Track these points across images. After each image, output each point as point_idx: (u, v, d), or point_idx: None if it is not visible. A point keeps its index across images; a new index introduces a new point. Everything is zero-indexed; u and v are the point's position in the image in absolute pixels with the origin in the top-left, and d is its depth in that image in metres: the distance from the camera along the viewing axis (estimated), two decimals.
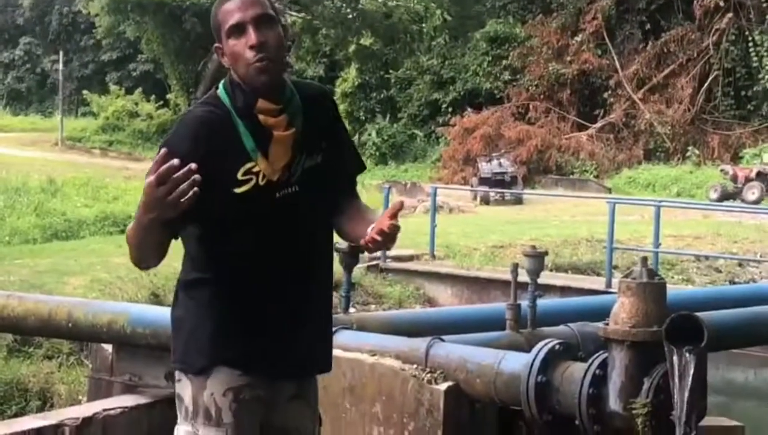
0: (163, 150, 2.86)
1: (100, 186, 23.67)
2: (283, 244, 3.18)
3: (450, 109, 38.50)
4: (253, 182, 3.15)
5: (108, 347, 6.85)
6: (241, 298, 3.21)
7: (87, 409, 6.19)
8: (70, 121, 43.24)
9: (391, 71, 41.72)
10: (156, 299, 10.77)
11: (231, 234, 3.18)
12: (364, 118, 41.82)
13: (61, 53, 45.72)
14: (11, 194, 21.56)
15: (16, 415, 7.72)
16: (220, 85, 3.25)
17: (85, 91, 45.99)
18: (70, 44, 54.73)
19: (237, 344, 3.23)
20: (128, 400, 6.30)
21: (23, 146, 35.76)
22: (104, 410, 6.06)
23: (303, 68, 43.70)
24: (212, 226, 3.17)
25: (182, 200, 2.81)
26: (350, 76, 42.67)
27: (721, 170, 29.02)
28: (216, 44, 3.24)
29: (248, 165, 3.15)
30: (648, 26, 36.80)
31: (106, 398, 6.53)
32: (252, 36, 3.12)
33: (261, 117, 3.18)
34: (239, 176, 3.14)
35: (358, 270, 13.04)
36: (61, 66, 44.31)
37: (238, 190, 3.14)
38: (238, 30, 3.14)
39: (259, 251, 3.17)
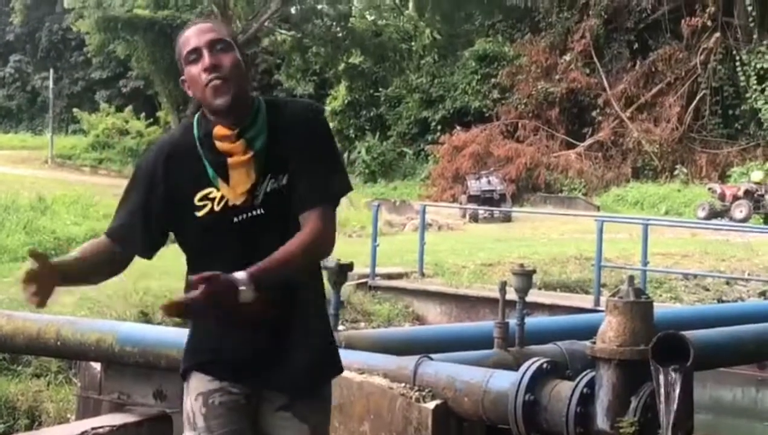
0: None
1: (89, 204, 23.64)
2: (243, 266, 3.11)
3: (439, 127, 38.53)
4: (208, 207, 3.24)
5: (96, 366, 6.86)
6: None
7: (75, 427, 6.20)
8: (60, 138, 43.13)
9: (380, 89, 41.79)
10: (145, 318, 10.74)
11: (197, 255, 3.30)
12: (353, 135, 41.86)
13: (51, 71, 45.68)
14: (0, 212, 21.51)
15: (3, 434, 7.69)
16: (198, 114, 3.35)
17: (75, 109, 45.92)
18: (60, 62, 54.70)
19: (206, 352, 3.33)
20: (117, 419, 6.31)
21: (13, 164, 35.67)
22: (93, 429, 6.06)
23: (293, 86, 43.77)
24: (184, 246, 3.35)
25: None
26: (340, 94, 42.74)
27: (709, 189, 29.09)
28: (182, 77, 3.32)
29: (205, 191, 3.24)
30: (636, 45, 36.94)
31: (95, 416, 6.53)
32: (206, 59, 3.22)
33: (217, 143, 3.24)
34: (196, 202, 3.25)
35: (347, 287, 13.02)
36: (51, 83, 44.24)
37: (197, 214, 3.25)
38: (195, 54, 3.25)
39: (223, 271, 3.11)
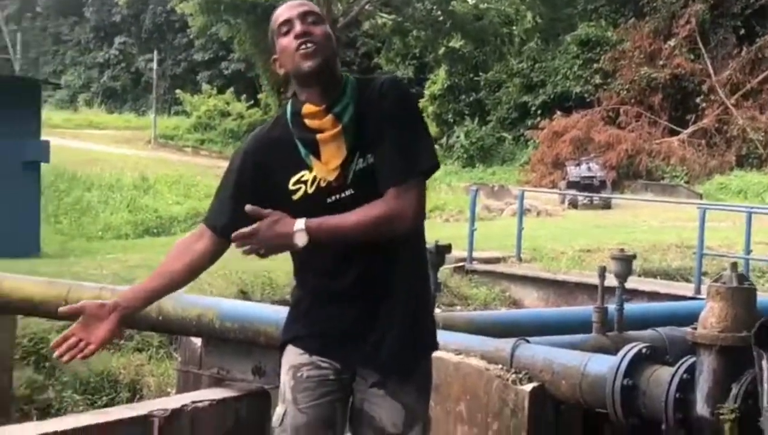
0: None
1: (191, 184, 24.04)
2: (341, 247, 3.25)
3: (539, 112, 38.26)
4: (302, 191, 3.29)
5: (197, 341, 6.96)
6: (308, 288, 3.40)
7: (176, 400, 6.28)
8: (162, 119, 43.82)
9: (480, 74, 41.59)
10: (244, 296, 10.88)
11: None
12: (452, 120, 41.75)
13: (155, 52, 46.39)
14: (105, 190, 21.99)
15: (106, 406, 7.86)
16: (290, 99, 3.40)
17: (177, 90, 46.55)
18: (163, 43, 55.49)
19: (300, 326, 3.40)
20: (216, 393, 6.38)
21: (117, 144, 36.34)
22: (193, 402, 6.14)
23: (392, 70, 43.72)
24: None
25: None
26: (439, 78, 42.64)
27: None
28: (273, 56, 3.38)
29: (299, 175, 3.29)
30: (742, 31, 36.16)
31: (195, 391, 6.62)
32: (297, 27, 3.28)
33: (307, 121, 3.28)
34: (290, 186, 3.30)
35: (444, 271, 13.03)
36: (155, 65, 44.95)
37: (293, 198, 3.29)
38: (287, 26, 3.31)
39: (320, 254, 3.26)
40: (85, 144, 33.07)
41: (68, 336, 3.33)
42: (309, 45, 3.24)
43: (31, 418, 7.85)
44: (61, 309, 3.41)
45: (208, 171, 28.28)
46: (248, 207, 3.17)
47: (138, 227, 19.29)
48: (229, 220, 3.34)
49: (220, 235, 3.39)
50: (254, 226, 3.15)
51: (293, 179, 3.30)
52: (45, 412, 8.19)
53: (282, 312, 3.51)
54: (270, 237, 3.16)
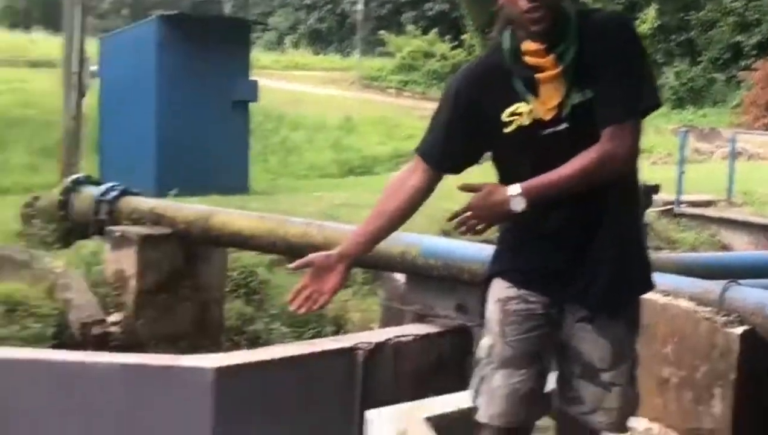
0: None
1: (394, 125, 24.23)
2: None
3: (754, 53, 36.83)
4: (516, 123, 3.22)
5: (400, 277, 7.03)
6: (516, 227, 3.35)
7: (380, 334, 6.39)
8: (367, 60, 44.24)
9: (691, 12, 40.34)
10: (446, 235, 10.91)
11: (505, 172, 3.33)
12: (662, 60, 40.65)
13: None
14: (310, 130, 22.41)
15: (312, 338, 8.04)
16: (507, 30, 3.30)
17: (382, 31, 46.85)
18: None
19: (508, 260, 3.39)
20: (419, 329, 6.46)
21: (323, 85, 36.92)
22: (396, 337, 6.23)
23: (601, 8, 42.82)
24: (494, 163, 3.39)
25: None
26: (649, 17, 41.45)
27: None
28: None
29: (513, 106, 3.22)
30: None
31: (398, 326, 6.71)
32: None
33: (527, 58, 3.20)
34: (504, 118, 3.23)
35: (651, 213, 12.75)
36: (360, 6, 45.34)
37: (505, 131, 3.23)
38: None
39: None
40: (292, 85, 33.73)
41: (301, 289, 3.41)
42: (539, 12, 3.12)
43: (240, 347, 8.10)
44: (291, 265, 3.49)
45: (411, 112, 28.43)
46: (461, 184, 3.18)
47: (342, 167, 19.58)
48: (443, 150, 3.35)
49: (436, 168, 3.38)
50: (468, 202, 3.17)
51: (507, 111, 3.24)
52: (253, 342, 8.43)
53: (487, 250, 3.49)
54: (486, 208, 3.17)
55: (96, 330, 7.36)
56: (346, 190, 14.20)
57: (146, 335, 7.96)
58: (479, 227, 3.23)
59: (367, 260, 6.88)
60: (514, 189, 3.14)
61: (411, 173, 3.42)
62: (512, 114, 3.23)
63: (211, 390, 5.57)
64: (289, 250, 7.51)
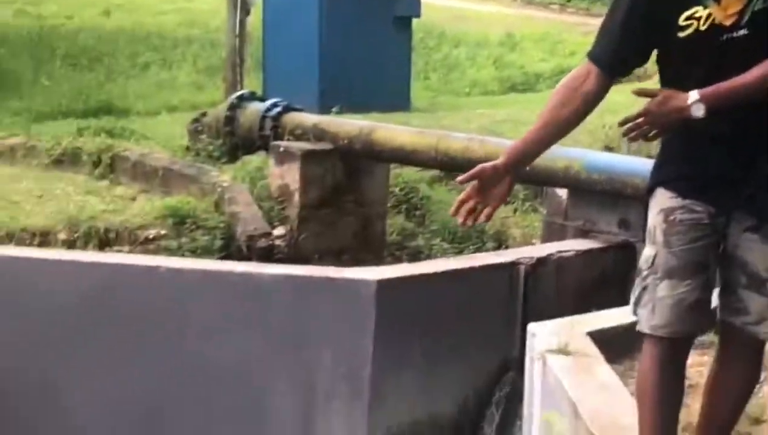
0: None
1: (557, 41, 23.81)
2: None
3: None
4: (693, 27, 3.11)
5: (562, 193, 6.97)
6: (682, 131, 3.22)
7: (542, 249, 6.39)
8: None
9: None
10: (609, 151, 10.76)
11: (675, 77, 3.21)
12: None
13: None
14: (472, 47, 22.22)
15: (473, 253, 8.06)
16: None
17: None
18: None
19: (672, 169, 3.27)
20: (581, 244, 6.42)
21: (485, 0, 36.57)
22: (558, 252, 6.22)
23: None
24: (664, 68, 3.27)
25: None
26: None
27: None
28: None
29: (691, 10, 3.11)
30: None
31: (560, 241, 6.67)
32: None
33: None
34: (680, 22, 3.12)
35: None
36: None
37: (681, 35, 3.13)
38: None
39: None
40: (453, 1, 33.49)
41: (464, 200, 3.33)
42: None
43: (402, 261, 8.18)
44: (459, 178, 3.38)
45: (574, 28, 27.88)
46: (636, 88, 3.12)
47: (504, 83, 19.36)
48: (617, 54, 3.25)
49: (609, 72, 3.28)
50: (643, 108, 3.10)
51: (685, 14, 3.13)
52: (415, 257, 8.49)
53: (650, 164, 3.40)
54: (663, 114, 3.10)
55: (262, 243, 7.53)
56: (508, 107, 14.08)
57: (309, 249, 8.11)
58: (652, 134, 3.15)
59: (529, 175, 6.85)
60: (694, 95, 3.06)
61: (583, 79, 3.30)
62: (689, 17, 3.12)
63: (373, 301, 5.66)
64: (451, 164, 7.52)
